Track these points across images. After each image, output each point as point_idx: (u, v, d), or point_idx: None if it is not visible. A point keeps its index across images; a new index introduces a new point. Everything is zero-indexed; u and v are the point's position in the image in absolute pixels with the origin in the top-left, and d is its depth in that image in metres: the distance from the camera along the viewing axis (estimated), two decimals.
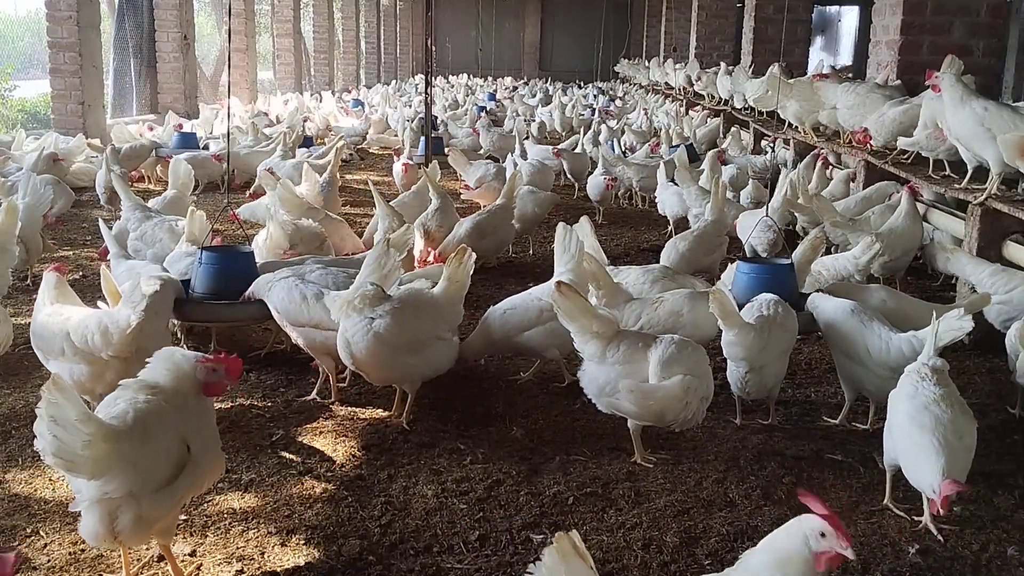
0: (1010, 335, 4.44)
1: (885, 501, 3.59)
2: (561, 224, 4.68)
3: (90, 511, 2.76)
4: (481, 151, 12.65)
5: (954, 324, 3.82)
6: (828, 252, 7.38)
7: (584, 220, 5.34)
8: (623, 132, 13.66)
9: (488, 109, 18.02)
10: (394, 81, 31.06)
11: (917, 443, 3.27)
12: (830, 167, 8.77)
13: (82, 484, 2.73)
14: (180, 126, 12.67)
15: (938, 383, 3.44)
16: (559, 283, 4.03)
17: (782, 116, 9.14)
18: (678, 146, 11.02)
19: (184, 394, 2.93)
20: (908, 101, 6.98)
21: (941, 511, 3.15)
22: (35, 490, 3.62)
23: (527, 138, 12.41)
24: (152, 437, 2.78)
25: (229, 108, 7.08)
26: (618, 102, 20.33)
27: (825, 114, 8.18)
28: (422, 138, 12.14)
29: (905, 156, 6.90)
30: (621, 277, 5.13)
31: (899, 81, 8.05)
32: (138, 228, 6.10)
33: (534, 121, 15.66)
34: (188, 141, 11.43)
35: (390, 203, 7.03)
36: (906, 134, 6.67)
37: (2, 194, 7.49)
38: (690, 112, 15.67)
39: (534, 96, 22.91)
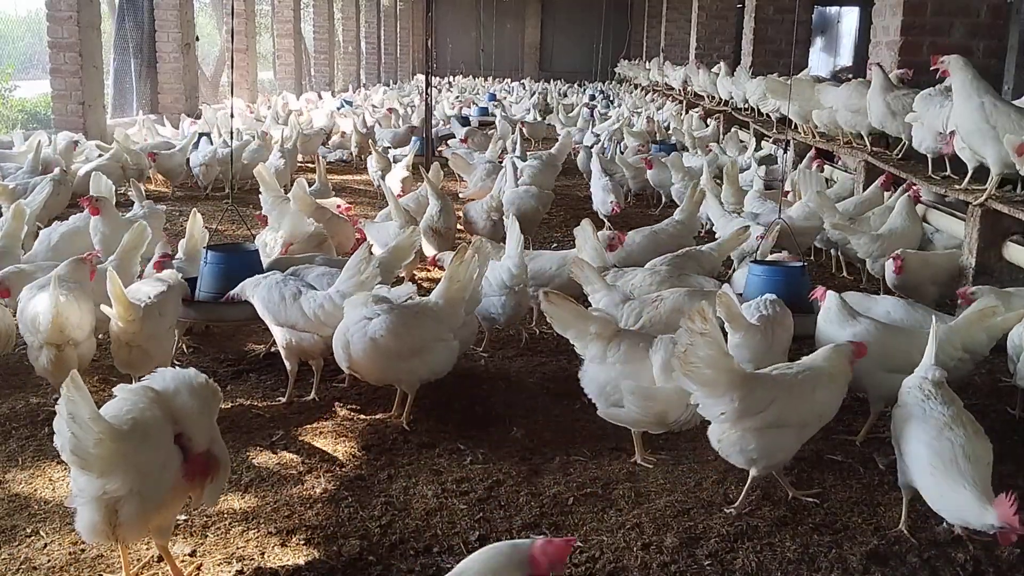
0: (1012, 337, 4.42)
1: (900, 526, 3.42)
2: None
3: (88, 507, 2.77)
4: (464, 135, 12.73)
5: None
6: (826, 253, 7.43)
7: (586, 223, 5.35)
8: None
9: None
10: (393, 82, 31.07)
11: (943, 474, 3.07)
12: (824, 166, 8.77)
13: (83, 481, 2.74)
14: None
15: (944, 401, 3.27)
16: (546, 292, 4.01)
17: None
18: (662, 146, 11.05)
19: None
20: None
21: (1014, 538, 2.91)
22: (35, 490, 3.62)
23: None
24: (151, 441, 2.81)
25: (232, 107, 7.10)
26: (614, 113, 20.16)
27: (825, 114, 8.17)
28: (418, 138, 12.13)
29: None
30: (627, 278, 5.13)
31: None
32: None
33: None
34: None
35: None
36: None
37: (5, 197, 7.46)
38: (690, 112, 15.67)
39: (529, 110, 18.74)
